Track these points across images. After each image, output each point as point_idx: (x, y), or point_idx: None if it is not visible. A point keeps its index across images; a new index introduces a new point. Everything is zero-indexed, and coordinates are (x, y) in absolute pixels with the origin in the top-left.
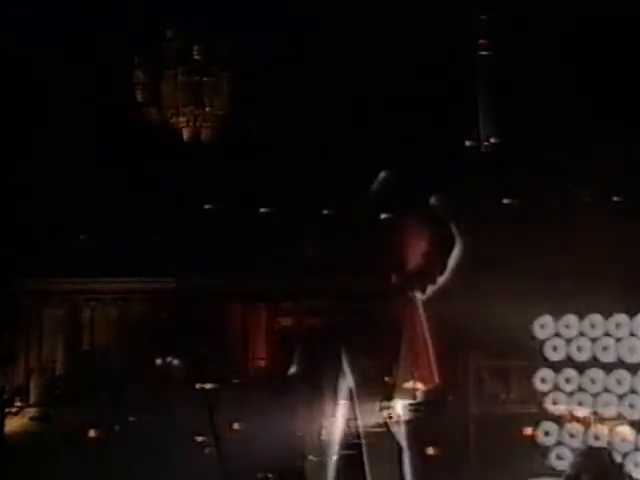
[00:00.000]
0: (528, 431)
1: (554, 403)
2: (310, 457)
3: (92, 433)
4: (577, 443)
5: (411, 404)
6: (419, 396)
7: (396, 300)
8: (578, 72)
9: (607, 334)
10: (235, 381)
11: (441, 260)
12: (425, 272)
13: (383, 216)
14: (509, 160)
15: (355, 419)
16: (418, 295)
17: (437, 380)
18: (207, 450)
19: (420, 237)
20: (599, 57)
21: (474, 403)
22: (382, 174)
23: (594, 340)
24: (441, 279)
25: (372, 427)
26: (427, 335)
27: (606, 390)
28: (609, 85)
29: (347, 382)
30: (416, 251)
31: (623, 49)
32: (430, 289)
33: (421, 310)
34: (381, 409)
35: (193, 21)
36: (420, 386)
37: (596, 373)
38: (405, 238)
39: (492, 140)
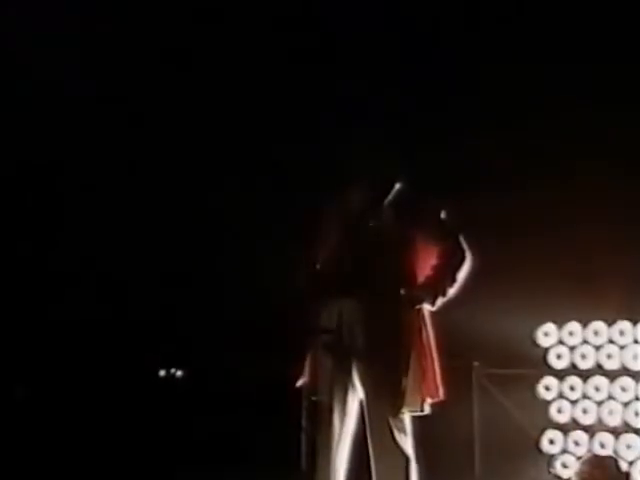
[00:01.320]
0: (533, 439)
1: (558, 411)
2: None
3: None
4: (582, 451)
5: (419, 416)
6: (426, 407)
7: (406, 312)
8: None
9: (611, 341)
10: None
11: (451, 272)
12: (435, 284)
13: (393, 227)
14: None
15: (364, 429)
16: (427, 307)
17: (442, 395)
18: None
19: (430, 249)
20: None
21: (478, 411)
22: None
23: (598, 348)
24: (451, 291)
25: (380, 437)
26: (433, 347)
27: (611, 397)
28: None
29: (357, 393)
30: (426, 263)
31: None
32: (440, 301)
33: (428, 322)
34: (390, 419)
35: None
36: (427, 399)
37: (600, 381)
38: (414, 250)
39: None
